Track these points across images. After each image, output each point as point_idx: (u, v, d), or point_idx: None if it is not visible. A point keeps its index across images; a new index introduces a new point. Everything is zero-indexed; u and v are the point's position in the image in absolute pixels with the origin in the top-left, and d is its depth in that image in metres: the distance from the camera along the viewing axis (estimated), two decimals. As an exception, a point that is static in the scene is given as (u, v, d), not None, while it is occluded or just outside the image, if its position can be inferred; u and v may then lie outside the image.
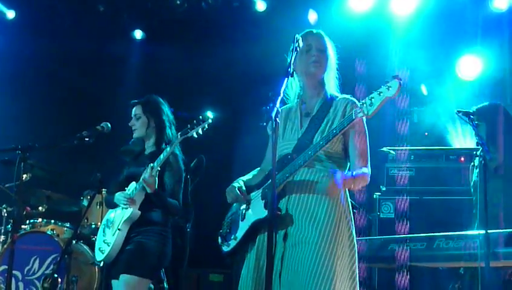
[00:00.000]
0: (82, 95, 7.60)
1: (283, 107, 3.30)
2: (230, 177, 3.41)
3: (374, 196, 5.69)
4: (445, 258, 4.35)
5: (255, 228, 3.16)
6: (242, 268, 3.21)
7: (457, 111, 4.28)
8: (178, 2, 7.43)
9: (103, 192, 5.65)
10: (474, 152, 4.73)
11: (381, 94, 2.86)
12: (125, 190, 4.20)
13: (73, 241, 5.56)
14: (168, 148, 4.05)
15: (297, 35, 3.05)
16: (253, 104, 3.35)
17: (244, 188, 3.27)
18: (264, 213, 3.08)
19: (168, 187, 4.17)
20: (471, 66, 6.49)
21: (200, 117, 3.97)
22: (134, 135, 4.41)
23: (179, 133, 4.04)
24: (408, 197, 5.54)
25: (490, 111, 4.75)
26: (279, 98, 2.81)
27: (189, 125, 3.97)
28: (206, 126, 3.98)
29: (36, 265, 5.65)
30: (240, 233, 3.23)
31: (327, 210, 3.06)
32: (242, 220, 3.24)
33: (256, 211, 3.16)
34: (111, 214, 4.30)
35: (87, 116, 6.36)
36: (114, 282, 4.11)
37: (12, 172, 4.24)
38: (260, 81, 4.65)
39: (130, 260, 4.04)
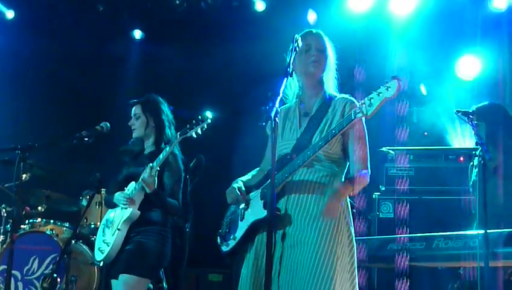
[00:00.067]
0: (81, 95, 7.58)
1: (282, 107, 3.29)
2: (229, 177, 3.40)
3: (373, 195, 5.68)
4: (445, 258, 4.35)
5: (254, 228, 3.16)
6: (241, 268, 3.21)
7: (457, 111, 4.27)
8: (177, 2, 7.42)
9: (102, 192, 5.66)
10: (474, 152, 4.73)
11: (381, 95, 2.85)
12: (124, 190, 4.20)
13: (73, 241, 5.57)
14: (168, 148, 4.05)
15: (296, 35, 3.05)
16: (252, 104, 3.33)
17: (243, 188, 3.27)
18: (263, 213, 3.08)
19: (167, 187, 4.17)
20: (471, 66, 6.48)
21: (199, 117, 3.98)
22: (134, 135, 4.40)
23: (178, 133, 4.04)
24: (407, 197, 5.54)
25: (489, 111, 4.74)
26: (279, 98, 2.80)
27: (188, 125, 3.98)
28: (205, 126, 3.99)
29: (35, 265, 5.64)
30: (239, 233, 3.23)
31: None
32: (241, 220, 3.24)
33: (255, 211, 3.16)
34: (110, 214, 4.30)
35: (87, 116, 6.35)
36: (113, 282, 4.11)
37: (11, 172, 4.25)
38: (259, 81, 4.65)
39: (129, 259, 4.04)
